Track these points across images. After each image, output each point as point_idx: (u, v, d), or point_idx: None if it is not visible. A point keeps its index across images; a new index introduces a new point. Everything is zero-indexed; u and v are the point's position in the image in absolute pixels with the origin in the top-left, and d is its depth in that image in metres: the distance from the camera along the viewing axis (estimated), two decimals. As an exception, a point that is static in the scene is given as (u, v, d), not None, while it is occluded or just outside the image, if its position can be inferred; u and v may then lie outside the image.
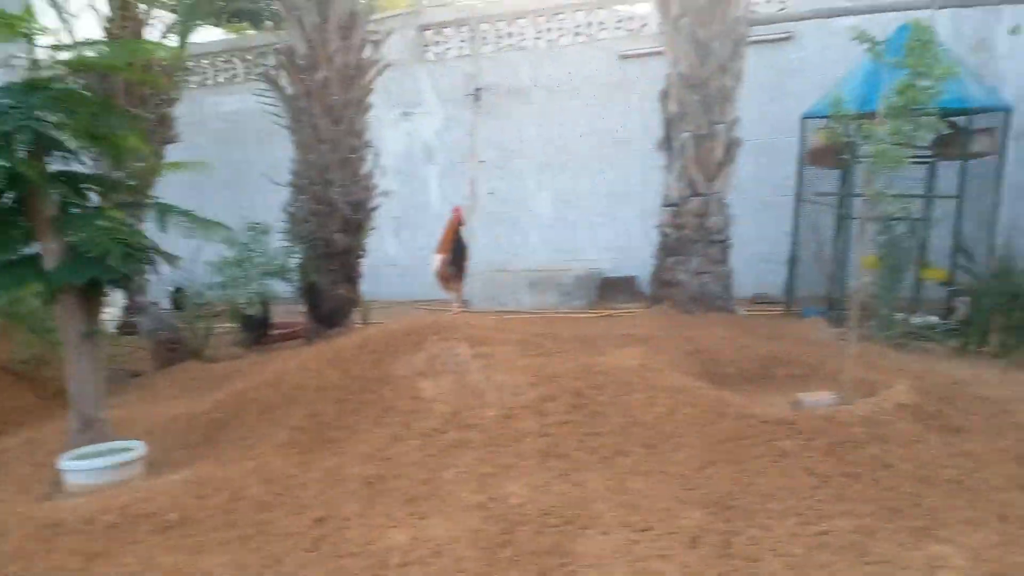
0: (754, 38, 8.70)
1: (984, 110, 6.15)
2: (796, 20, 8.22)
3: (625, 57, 9.21)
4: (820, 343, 5.80)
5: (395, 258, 10.58)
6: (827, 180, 7.18)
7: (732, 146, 6.59)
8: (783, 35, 8.59)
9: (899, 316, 5.65)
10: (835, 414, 4.02)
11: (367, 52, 6.84)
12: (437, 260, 7.09)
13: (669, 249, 6.74)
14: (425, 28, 9.99)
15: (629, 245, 9.44)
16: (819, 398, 4.34)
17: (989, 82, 8.08)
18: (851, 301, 4.18)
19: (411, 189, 10.30)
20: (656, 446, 3.64)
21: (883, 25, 8.14)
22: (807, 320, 6.59)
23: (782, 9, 8.60)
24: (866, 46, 4.08)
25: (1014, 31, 6.84)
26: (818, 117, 6.53)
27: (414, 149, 10.29)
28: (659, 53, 9.24)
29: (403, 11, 9.99)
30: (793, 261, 7.32)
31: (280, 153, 7.26)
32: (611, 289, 9.39)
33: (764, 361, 5.33)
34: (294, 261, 6.68)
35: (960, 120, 6.44)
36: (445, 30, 9.96)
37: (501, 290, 9.16)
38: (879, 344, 5.50)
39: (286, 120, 6.73)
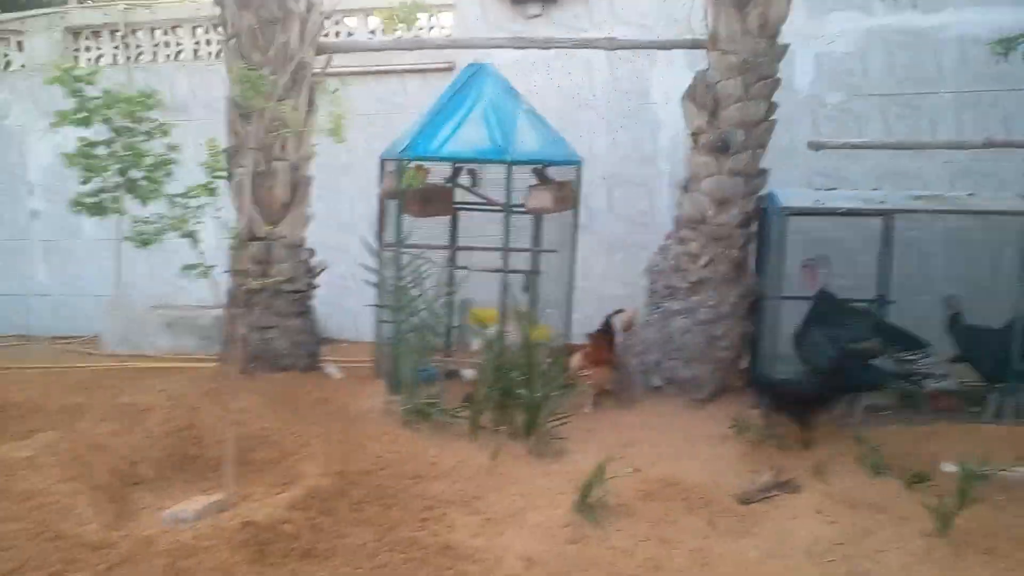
0: (421, 66, 8.20)
1: (555, 163, 5.72)
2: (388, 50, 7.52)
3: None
4: (353, 414, 5.17)
5: (47, 287, 9.37)
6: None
7: (301, 185, 5.91)
8: (445, 64, 8.05)
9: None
10: (158, 536, 3.34)
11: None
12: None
13: (232, 298, 5.97)
14: (75, 31, 8.89)
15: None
16: (194, 506, 3.66)
17: (645, 128, 7.86)
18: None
19: (63, 209, 9.12)
20: None
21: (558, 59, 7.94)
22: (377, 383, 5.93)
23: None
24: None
25: None
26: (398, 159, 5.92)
27: (60, 165, 9.12)
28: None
29: (48, 11, 8.85)
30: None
31: None
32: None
33: (249, 441, 4.64)
34: None
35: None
36: (99, 35, 8.89)
37: (136, 330, 8.17)
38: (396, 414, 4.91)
39: None
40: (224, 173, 4.05)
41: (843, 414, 5.17)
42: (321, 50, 5.99)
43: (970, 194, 5.22)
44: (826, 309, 5.16)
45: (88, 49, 8.94)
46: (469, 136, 5.32)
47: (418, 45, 6.60)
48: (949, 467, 4.32)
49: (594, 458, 4.62)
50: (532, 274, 6.45)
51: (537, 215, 6.20)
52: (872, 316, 5.22)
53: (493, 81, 5.62)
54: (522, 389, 4.69)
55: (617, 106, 7.87)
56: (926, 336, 5.33)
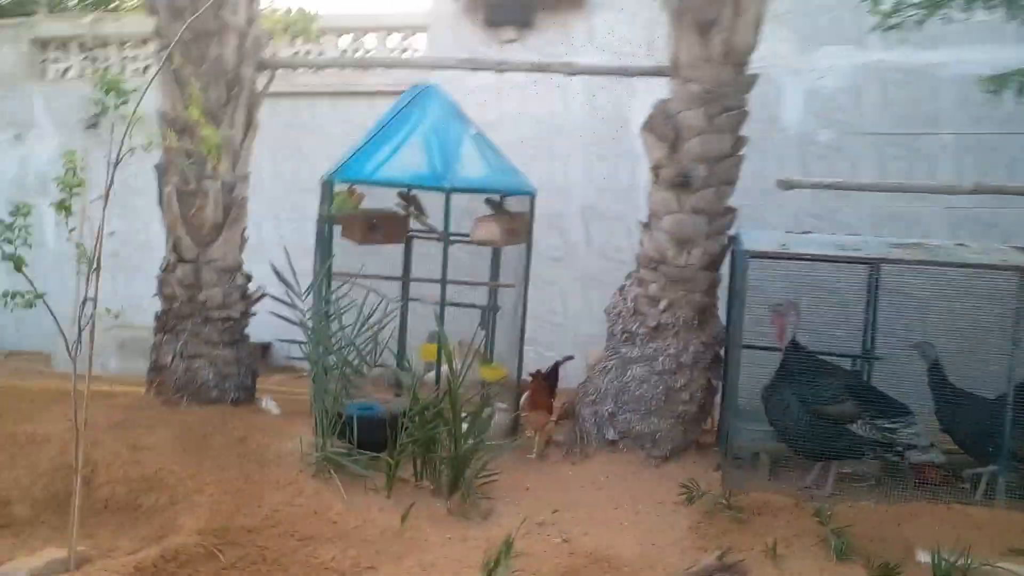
0: (392, 88, 7.83)
1: (499, 192, 5.26)
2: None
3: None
4: (269, 458, 4.67)
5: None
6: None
7: (235, 206, 5.49)
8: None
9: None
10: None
11: None
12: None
13: (160, 323, 5.54)
14: (42, 42, 8.63)
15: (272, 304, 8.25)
16: (30, 565, 3.16)
17: (624, 159, 7.42)
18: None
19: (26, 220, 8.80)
20: None
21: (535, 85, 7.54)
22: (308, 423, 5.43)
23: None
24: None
25: None
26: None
27: (28, 178, 8.83)
28: (290, 93, 8.29)
29: (15, 21, 8.61)
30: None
31: None
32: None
33: (141, 484, 4.18)
34: None
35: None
36: (66, 47, 8.63)
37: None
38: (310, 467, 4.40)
39: None
40: (79, 190, 3.63)
41: (815, 483, 4.61)
42: (263, 66, 5.61)
43: (959, 244, 4.69)
44: (796, 363, 4.62)
45: (56, 60, 8.68)
46: (407, 160, 4.89)
47: (363, 63, 6.22)
48: (925, 557, 3.75)
49: (527, 521, 4.12)
50: (491, 309, 6.00)
51: (495, 247, 5.75)
52: (848, 374, 4.67)
53: (439, 103, 5.20)
54: (445, 440, 4.18)
55: (595, 136, 7.46)
56: (914, 396, 4.81)
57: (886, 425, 4.42)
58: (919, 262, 4.22)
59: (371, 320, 4.89)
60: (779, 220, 6.87)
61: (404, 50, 7.84)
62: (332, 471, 4.24)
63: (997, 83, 4.90)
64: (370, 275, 5.13)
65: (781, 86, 7.02)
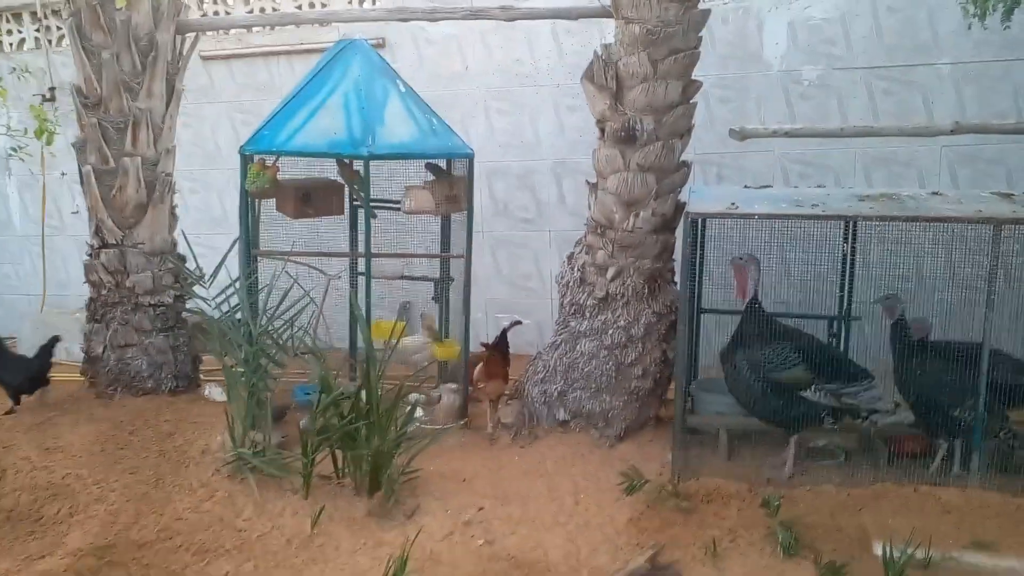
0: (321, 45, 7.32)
1: (427, 157, 4.82)
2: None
3: (208, 58, 7.70)
4: (192, 455, 4.44)
5: (-25, 284, 8.89)
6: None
7: (159, 183, 5.16)
8: (375, 41, 7.19)
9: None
10: None
11: None
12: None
13: (90, 312, 5.30)
14: (-5, 14, 8.29)
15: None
16: None
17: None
18: None
19: (-9, 203, 8.64)
20: None
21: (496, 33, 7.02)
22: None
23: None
24: None
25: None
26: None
27: (-13, 155, 8.60)
28: (249, 55, 7.88)
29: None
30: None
31: None
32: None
33: (47, 491, 4.00)
34: None
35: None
36: (19, 17, 8.28)
37: (51, 335, 7.58)
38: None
39: None
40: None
41: (778, 461, 4.23)
42: (183, 29, 5.20)
43: (934, 192, 4.17)
44: (754, 326, 4.20)
45: (10, 32, 8.35)
46: (324, 126, 4.46)
47: (292, 20, 5.73)
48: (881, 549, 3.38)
49: (451, 520, 3.83)
50: (443, 281, 5.64)
51: (445, 216, 5.36)
52: (802, 336, 4.23)
53: (363, 59, 4.73)
54: (365, 433, 3.87)
55: (564, 85, 6.91)
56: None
57: (842, 390, 4.02)
58: (881, 218, 3.73)
59: (302, 300, 4.59)
60: (761, 169, 6.36)
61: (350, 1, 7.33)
62: (249, 471, 3.97)
63: (980, 5, 4.28)
64: (299, 252, 4.79)
65: (762, 19, 6.39)
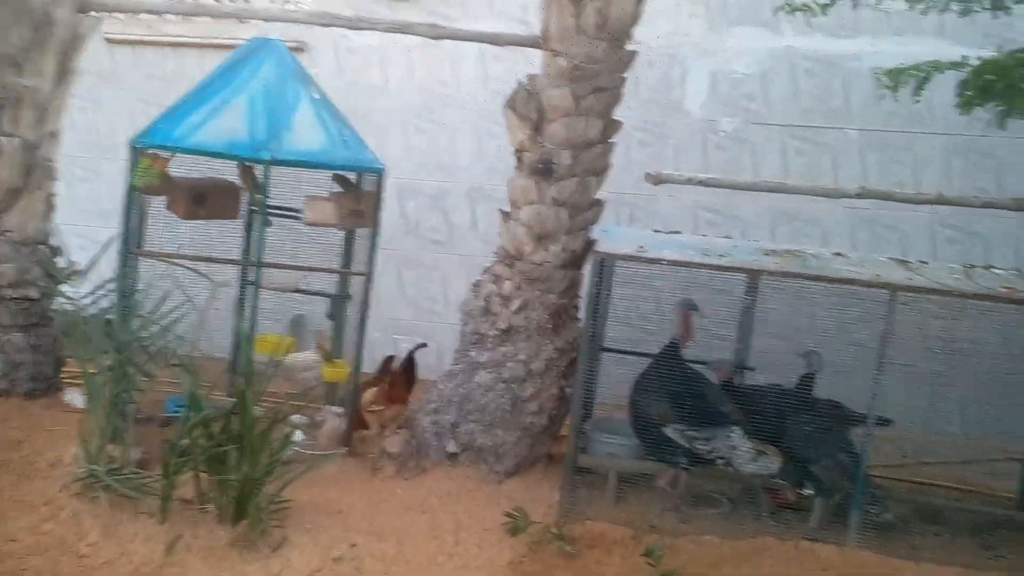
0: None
1: (334, 168, 4.62)
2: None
3: (113, 42, 7.28)
4: (40, 468, 4.03)
5: None
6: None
7: (38, 168, 4.77)
8: (293, 44, 6.93)
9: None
10: None
11: None
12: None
13: (-56, 304, 4.82)
14: None
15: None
16: None
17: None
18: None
19: None
20: None
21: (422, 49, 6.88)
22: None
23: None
24: None
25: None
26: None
27: None
28: (159, 43, 7.50)
29: None
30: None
31: None
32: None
33: None
34: None
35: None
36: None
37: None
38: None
39: None
40: None
41: (672, 502, 4.19)
42: (84, 7, 4.85)
43: (836, 253, 4.25)
44: (662, 365, 4.20)
45: None
46: (226, 125, 4.21)
47: (208, 11, 5.46)
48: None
49: (320, 556, 3.58)
50: (340, 298, 5.39)
51: (349, 231, 5.14)
52: (691, 378, 4.24)
53: (277, 61, 4.51)
54: (234, 457, 3.59)
55: (486, 110, 6.83)
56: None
57: (694, 434, 4.05)
58: (784, 274, 3.76)
59: (184, 306, 4.28)
60: (672, 214, 6.40)
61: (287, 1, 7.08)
62: (101, 489, 3.62)
63: (893, 77, 4.42)
64: (183, 255, 4.48)
65: (686, 68, 6.49)
